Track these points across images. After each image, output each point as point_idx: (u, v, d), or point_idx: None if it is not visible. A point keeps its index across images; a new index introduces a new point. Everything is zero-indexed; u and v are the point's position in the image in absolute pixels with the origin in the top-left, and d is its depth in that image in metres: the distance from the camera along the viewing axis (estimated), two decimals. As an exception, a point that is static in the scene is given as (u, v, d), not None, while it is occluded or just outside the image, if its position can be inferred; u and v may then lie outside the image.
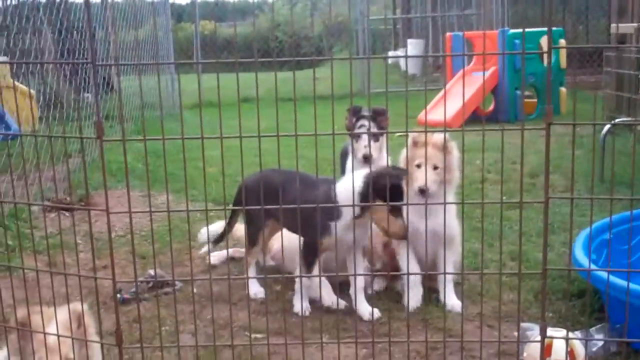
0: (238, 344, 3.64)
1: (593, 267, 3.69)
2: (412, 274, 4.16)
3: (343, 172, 5.51)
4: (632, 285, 3.23)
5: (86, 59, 9.35)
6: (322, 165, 6.13)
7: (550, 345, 3.42)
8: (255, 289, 4.59)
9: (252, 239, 4.56)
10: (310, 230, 3.95)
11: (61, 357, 2.55)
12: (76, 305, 2.72)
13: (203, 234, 5.20)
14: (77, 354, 2.62)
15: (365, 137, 4.72)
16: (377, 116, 4.77)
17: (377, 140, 4.79)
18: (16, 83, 10.75)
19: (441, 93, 11.42)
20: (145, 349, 3.16)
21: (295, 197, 3.42)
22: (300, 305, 4.32)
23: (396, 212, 3.99)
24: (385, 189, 3.58)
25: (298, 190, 3.57)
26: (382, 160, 4.80)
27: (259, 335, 4.00)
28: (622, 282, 3.18)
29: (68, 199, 6.51)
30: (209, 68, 14.94)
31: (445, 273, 4.24)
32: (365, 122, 4.76)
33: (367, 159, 4.67)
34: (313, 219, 3.88)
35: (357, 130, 4.77)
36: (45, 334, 2.51)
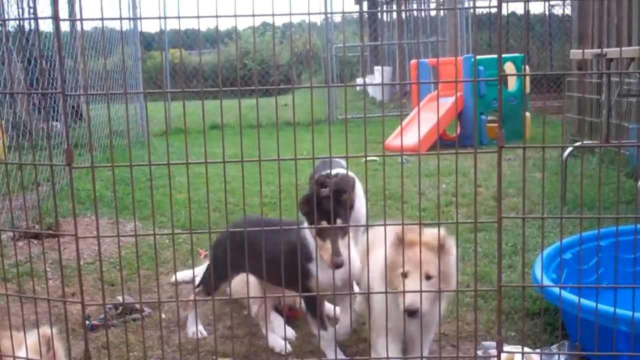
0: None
1: (547, 283, 3.82)
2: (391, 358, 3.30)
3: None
4: (585, 302, 3.37)
5: (55, 88, 9.41)
6: (291, 190, 6.26)
7: (510, 364, 3.54)
8: (194, 330, 4.38)
9: (213, 286, 4.23)
10: (295, 280, 3.50)
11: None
12: (45, 330, 2.77)
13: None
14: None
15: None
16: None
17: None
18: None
19: (409, 117, 11.63)
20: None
21: (267, 249, 3.34)
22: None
23: (323, 234, 3.52)
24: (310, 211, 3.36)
25: (267, 243, 3.42)
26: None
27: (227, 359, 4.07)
28: (574, 298, 3.31)
29: (37, 227, 6.51)
30: (178, 96, 15.05)
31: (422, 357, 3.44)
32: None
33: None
34: (292, 267, 3.46)
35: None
36: (15, 357, 2.56)
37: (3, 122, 10.44)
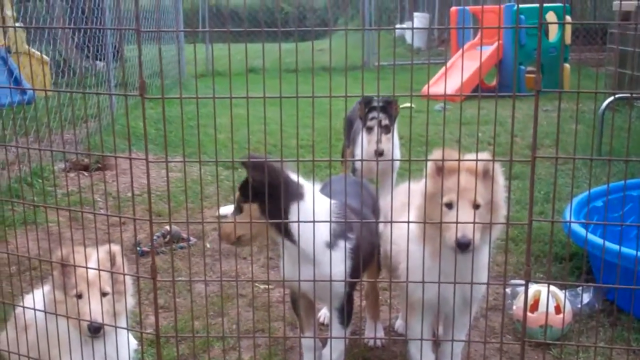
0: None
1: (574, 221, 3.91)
2: (425, 339, 3.08)
3: (347, 139, 5.80)
4: (610, 245, 3.51)
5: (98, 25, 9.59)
6: (326, 133, 6.40)
7: (537, 300, 3.72)
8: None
9: None
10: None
11: (100, 290, 2.86)
12: (111, 246, 3.02)
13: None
14: (112, 288, 2.93)
15: (376, 130, 4.86)
16: (387, 106, 4.90)
17: (388, 131, 4.96)
18: (31, 49, 11.03)
19: (448, 64, 11.64)
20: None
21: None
22: None
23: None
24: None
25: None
26: (394, 138, 5.01)
27: (271, 287, 4.34)
28: (600, 241, 3.42)
29: (86, 160, 6.80)
30: (215, 38, 15.19)
31: (453, 340, 3.16)
32: (376, 114, 4.91)
33: (379, 154, 4.57)
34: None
35: (369, 123, 4.95)
36: (87, 268, 2.82)
37: (48, 59, 10.73)
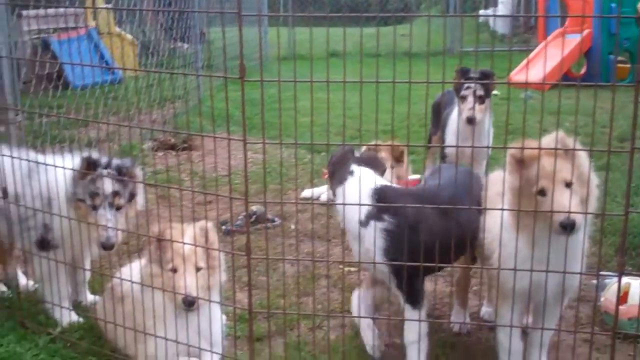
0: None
1: None
2: (515, 326, 3.00)
3: (434, 125, 5.76)
4: None
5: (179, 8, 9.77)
6: (412, 120, 6.36)
7: (626, 293, 3.63)
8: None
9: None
10: None
11: (195, 265, 2.96)
12: (202, 223, 3.11)
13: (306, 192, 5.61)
14: (205, 264, 3.03)
15: (471, 99, 4.92)
16: (485, 78, 4.88)
17: (482, 102, 4.97)
18: (120, 31, 11.36)
19: (532, 54, 11.36)
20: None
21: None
22: None
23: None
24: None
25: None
26: (485, 120, 5.03)
27: (352, 269, 4.37)
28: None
29: (172, 139, 6.99)
30: (297, 22, 15.27)
31: (543, 329, 3.10)
32: (472, 84, 4.94)
33: (471, 121, 4.87)
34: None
35: (463, 92, 4.98)
36: (183, 243, 2.91)
37: (135, 40, 11.04)
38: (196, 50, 9.35)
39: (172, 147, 6.95)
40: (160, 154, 6.71)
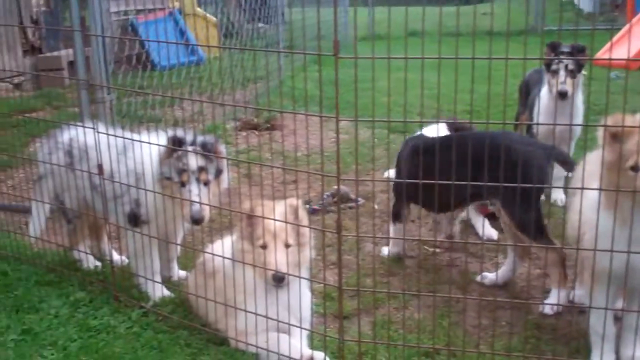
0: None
1: None
2: (609, 309, 2.93)
3: (522, 105, 5.61)
4: None
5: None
6: (495, 100, 6.23)
7: None
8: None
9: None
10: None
11: (284, 242, 2.98)
12: (292, 200, 3.12)
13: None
14: (294, 241, 3.04)
15: (562, 72, 4.80)
16: (576, 53, 4.79)
17: (573, 76, 4.85)
18: (203, 12, 11.53)
19: (621, 32, 10.93)
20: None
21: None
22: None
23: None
24: None
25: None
26: (576, 97, 4.89)
27: (438, 250, 4.33)
28: None
29: (255, 119, 7.06)
30: (376, 1, 15.16)
31: None
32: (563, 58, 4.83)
33: (562, 95, 4.76)
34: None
35: (554, 66, 4.87)
36: (274, 220, 2.94)
37: (217, 21, 11.16)
38: (278, 30, 9.38)
39: (255, 127, 7.02)
40: (243, 133, 6.78)
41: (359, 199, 5.08)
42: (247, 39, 9.83)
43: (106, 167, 3.56)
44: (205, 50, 10.48)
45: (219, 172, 3.45)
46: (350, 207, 4.96)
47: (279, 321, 3.04)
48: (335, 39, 2.48)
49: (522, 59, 2.74)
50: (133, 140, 3.51)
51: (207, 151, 3.38)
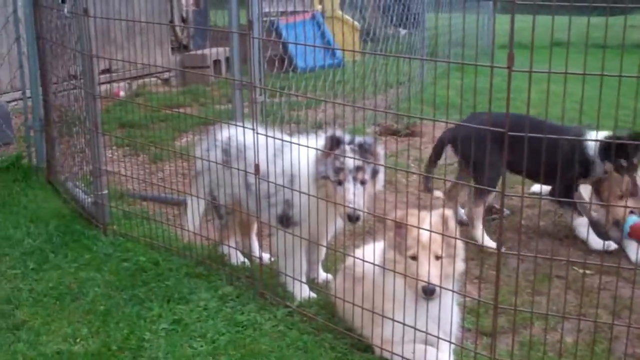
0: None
1: None
2: None
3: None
4: None
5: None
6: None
7: None
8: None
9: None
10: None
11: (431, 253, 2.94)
12: (444, 211, 3.06)
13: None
14: (444, 252, 2.99)
15: None
16: None
17: None
18: (345, 16, 11.62)
19: None
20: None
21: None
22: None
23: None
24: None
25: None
26: None
27: (588, 272, 4.13)
28: None
29: (395, 125, 7.04)
30: (520, 9, 14.77)
31: None
32: None
33: None
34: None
35: None
36: (427, 230, 2.89)
37: (358, 25, 11.21)
38: (423, 36, 9.32)
39: (395, 133, 7.00)
40: (383, 138, 6.77)
41: (505, 209, 4.95)
42: (387, 43, 9.82)
43: (262, 167, 3.66)
44: (345, 53, 10.55)
45: (375, 173, 3.47)
46: (494, 219, 4.85)
47: (427, 333, 3.00)
48: (511, 52, 2.41)
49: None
50: (291, 142, 3.57)
51: (364, 151, 3.41)
